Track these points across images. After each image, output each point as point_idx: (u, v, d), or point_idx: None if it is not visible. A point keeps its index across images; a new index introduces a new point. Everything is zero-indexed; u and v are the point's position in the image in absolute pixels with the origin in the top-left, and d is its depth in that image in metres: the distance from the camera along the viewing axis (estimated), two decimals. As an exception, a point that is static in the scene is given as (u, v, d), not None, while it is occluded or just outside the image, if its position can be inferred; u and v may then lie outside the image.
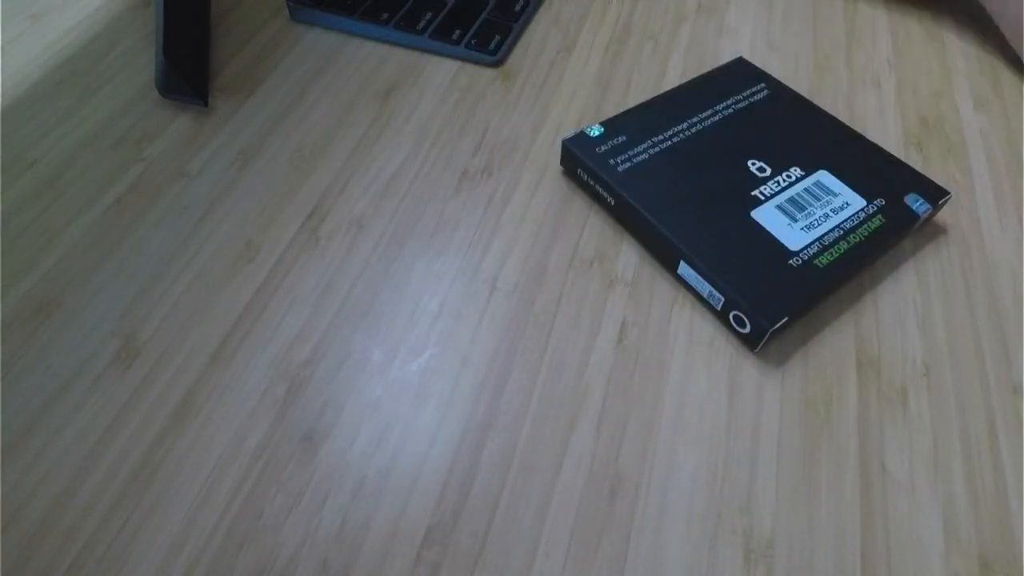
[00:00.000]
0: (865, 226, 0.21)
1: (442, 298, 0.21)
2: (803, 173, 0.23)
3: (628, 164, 0.22)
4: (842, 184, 0.22)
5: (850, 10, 0.31)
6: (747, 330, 0.19)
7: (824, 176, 0.23)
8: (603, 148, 0.23)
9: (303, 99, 0.27)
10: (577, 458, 0.17)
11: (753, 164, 0.23)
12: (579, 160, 0.23)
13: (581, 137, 0.23)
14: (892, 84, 0.28)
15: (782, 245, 0.20)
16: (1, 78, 0.28)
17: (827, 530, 0.17)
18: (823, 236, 0.21)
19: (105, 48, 0.29)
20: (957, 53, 0.30)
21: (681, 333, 0.20)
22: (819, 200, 0.22)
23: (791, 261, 0.20)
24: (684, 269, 0.20)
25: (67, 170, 0.24)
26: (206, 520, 0.17)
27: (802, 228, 0.21)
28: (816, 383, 0.19)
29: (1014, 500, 0.17)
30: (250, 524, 0.16)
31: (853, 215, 0.21)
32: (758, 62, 0.29)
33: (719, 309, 0.20)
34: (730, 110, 0.24)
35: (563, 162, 0.24)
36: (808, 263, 0.20)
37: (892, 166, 0.23)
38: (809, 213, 0.21)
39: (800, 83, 0.28)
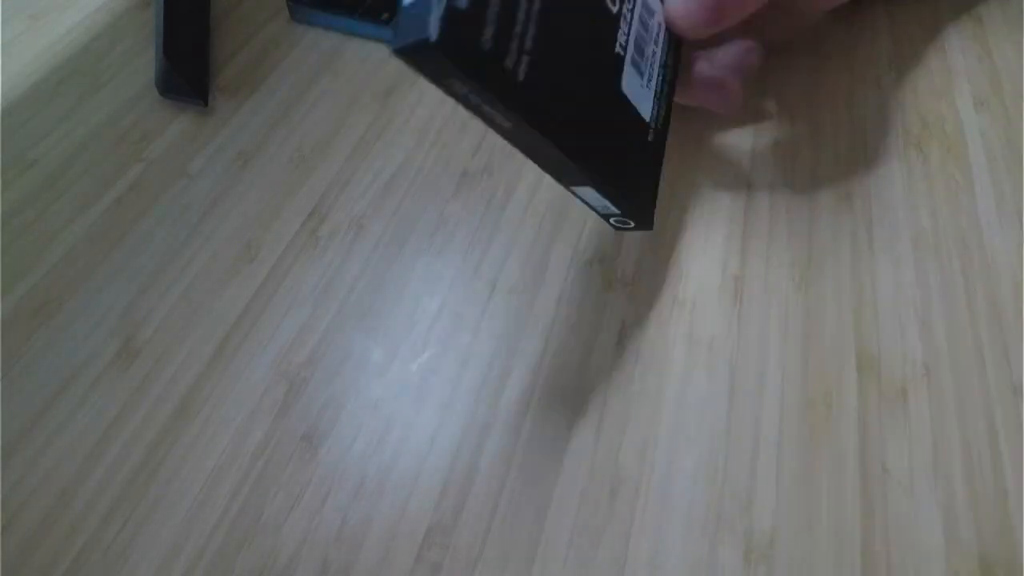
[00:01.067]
0: (670, 50, 0.17)
1: (442, 298, 0.21)
2: None
3: (526, 59, 0.12)
4: None
5: (849, 9, 0.31)
6: (631, 226, 0.17)
7: None
8: (489, 36, 0.12)
9: (303, 99, 0.27)
10: (577, 458, 0.17)
11: None
12: (458, 78, 0.12)
13: (456, 22, 0.11)
14: (892, 84, 0.28)
15: (642, 119, 0.16)
16: (1, 78, 0.28)
17: (827, 530, 0.17)
18: (657, 86, 0.16)
19: (105, 48, 0.29)
20: (957, 52, 0.30)
21: (681, 333, 0.20)
22: (648, 31, 0.16)
23: (648, 136, 0.16)
24: (576, 188, 0.16)
25: (67, 170, 0.24)
26: (206, 520, 0.17)
27: (646, 84, 0.16)
28: (816, 383, 0.19)
29: (1014, 500, 0.17)
30: (250, 524, 0.16)
31: (665, 41, 0.17)
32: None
33: (606, 216, 0.17)
34: None
35: (416, 65, 0.12)
36: (656, 131, 0.17)
37: None
38: (648, 59, 0.16)
39: (799, 81, 0.28)
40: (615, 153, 0.16)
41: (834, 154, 0.25)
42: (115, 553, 0.16)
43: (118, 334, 0.20)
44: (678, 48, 0.19)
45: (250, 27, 0.30)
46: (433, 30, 0.10)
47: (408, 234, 0.22)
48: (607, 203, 0.16)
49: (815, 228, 0.23)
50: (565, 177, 0.15)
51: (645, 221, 0.18)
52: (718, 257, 0.22)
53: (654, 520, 0.17)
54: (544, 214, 0.23)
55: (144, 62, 0.28)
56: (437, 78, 0.12)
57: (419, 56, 0.11)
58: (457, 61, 0.11)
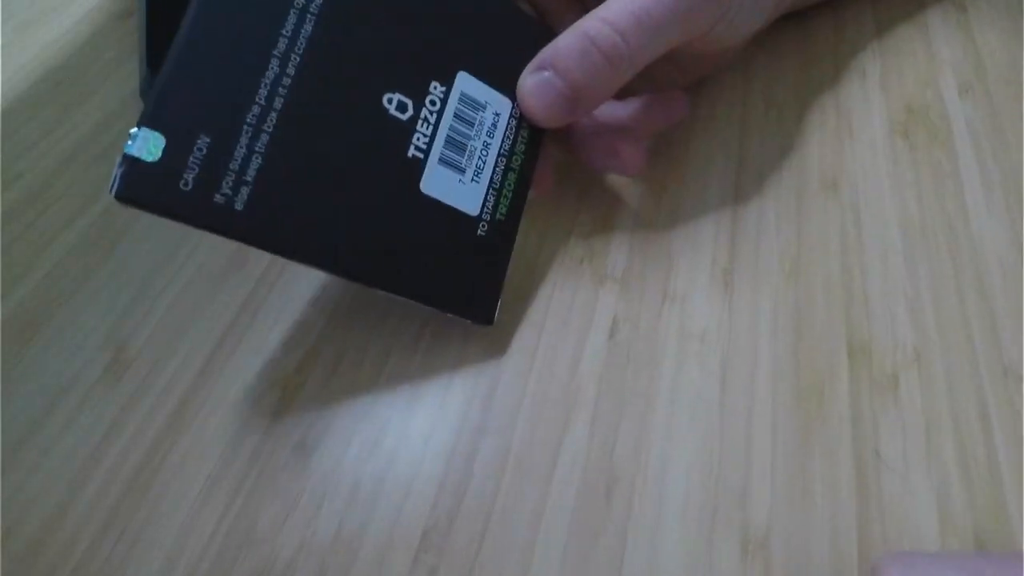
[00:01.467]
0: (522, 136, 0.18)
1: (433, 300, 0.21)
2: (444, 89, 0.17)
3: (246, 189, 0.14)
4: (483, 85, 0.17)
5: (835, 1, 0.31)
6: (470, 322, 0.18)
7: (466, 82, 0.17)
8: (190, 179, 0.14)
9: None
10: (571, 457, 0.17)
11: (390, 101, 0.16)
12: (168, 216, 0.14)
13: (138, 174, 0.13)
14: (877, 73, 0.28)
15: (463, 215, 0.17)
16: (-16, 93, 0.28)
17: (823, 519, 0.17)
18: (493, 178, 0.17)
19: (89, 60, 0.29)
20: (941, 40, 0.30)
21: (673, 327, 0.20)
22: (472, 125, 0.17)
23: (479, 231, 0.17)
24: (389, 295, 0.17)
25: (54, 183, 0.24)
26: (202, 531, 0.16)
27: (473, 179, 0.17)
28: (808, 373, 0.19)
29: (1007, 479, 0.17)
30: (246, 533, 0.16)
31: (506, 129, 0.18)
32: (742, 55, 0.29)
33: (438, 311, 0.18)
34: (308, 15, 0.15)
35: (132, 206, 0.13)
36: (493, 223, 0.17)
37: (518, 28, 0.18)
38: (471, 152, 0.17)
39: (786, 73, 0.28)
40: (418, 256, 0.17)
41: (820, 144, 0.25)
42: (113, 565, 0.16)
43: (109, 346, 0.20)
44: (541, 129, 0.19)
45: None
46: (115, 184, 0.13)
47: (397, 237, 0.22)
48: (419, 304, 0.17)
49: (803, 218, 0.23)
50: (361, 282, 0.16)
51: (481, 316, 0.18)
52: (707, 250, 0.22)
53: (650, 516, 0.17)
54: (534, 211, 0.23)
55: (128, 72, 0.28)
56: (147, 211, 0.14)
57: (120, 200, 0.13)
58: (146, 206, 0.13)
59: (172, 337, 0.20)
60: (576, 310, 0.20)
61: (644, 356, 0.19)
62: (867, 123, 0.26)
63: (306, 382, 0.19)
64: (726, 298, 0.21)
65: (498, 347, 0.20)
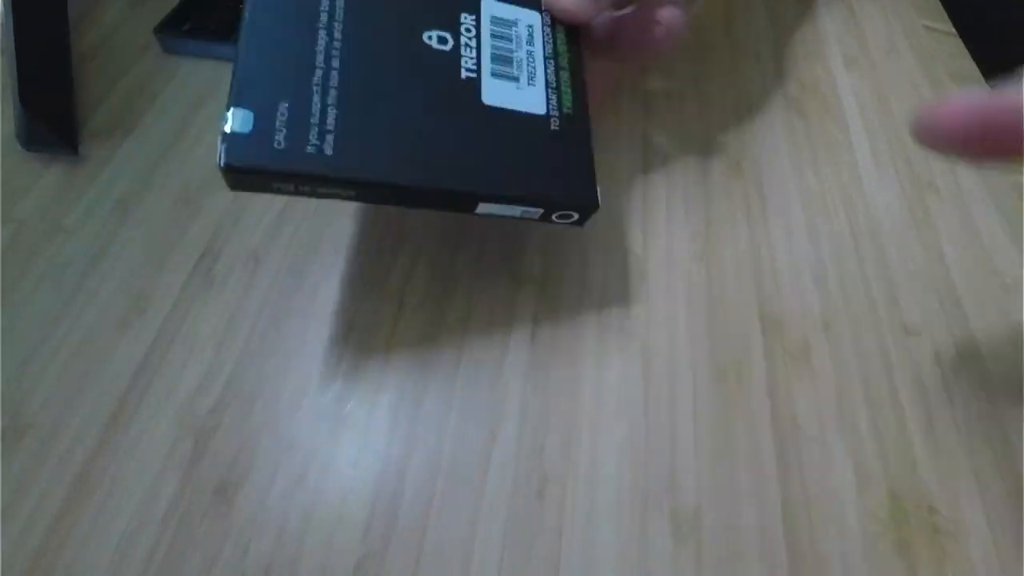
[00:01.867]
0: (560, 38, 0.19)
1: (349, 322, 0.20)
2: (474, 18, 0.19)
3: (331, 136, 0.16)
4: (507, 5, 0.19)
5: (724, -14, 0.33)
6: (575, 218, 0.18)
7: (491, 7, 0.19)
8: (281, 138, 0.15)
9: (185, 135, 0.25)
10: (502, 463, 0.17)
11: (430, 38, 0.18)
12: (271, 177, 0.15)
13: (238, 144, 0.15)
14: (770, 55, 0.29)
15: (531, 115, 0.18)
16: None
17: (748, 493, 0.17)
18: (547, 78, 0.19)
19: (-42, 104, 0.27)
20: (825, 17, 0.31)
21: (591, 321, 0.20)
22: (511, 40, 0.19)
23: (552, 126, 0.18)
24: (484, 208, 0.17)
25: (-75, 242, 0.22)
26: (117, 596, 0.16)
27: (528, 83, 0.19)
28: (725, 351, 0.20)
29: (914, 432, 0.18)
30: (167, 592, 0.16)
31: (544, 36, 0.19)
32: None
33: (538, 219, 0.18)
34: None
35: (240, 186, 0.15)
36: (563, 117, 0.18)
37: None
38: (519, 62, 0.19)
39: (685, 61, 0.29)
40: (505, 161, 0.17)
41: (723, 127, 0.26)
42: (20, 650, 0.15)
43: (4, 411, 0.18)
44: (576, 28, 0.20)
45: (119, 64, 0.28)
46: (221, 157, 0.15)
47: (307, 261, 0.22)
48: (523, 208, 0.18)
49: (711, 200, 0.24)
50: (459, 206, 0.17)
51: (584, 201, 0.18)
52: (621, 240, 0.22)
53: (583, 513, 0.17)
54: (444, 222, 0.23)
55: (1, 114, 0.26)
56: (254, 188, 0.15)
57: (228, 177, 0.15)
58: (251, 169, 0.15)
59: (72, 394, 0.19)
60: (497, 315, 0.20)
61: (566, 353, 0.19)
62: (764, 102, 0.27)
63: (221, 424, 0.18)
64: (642, 286, 0.21)
65: (421, 360, 0.19)
